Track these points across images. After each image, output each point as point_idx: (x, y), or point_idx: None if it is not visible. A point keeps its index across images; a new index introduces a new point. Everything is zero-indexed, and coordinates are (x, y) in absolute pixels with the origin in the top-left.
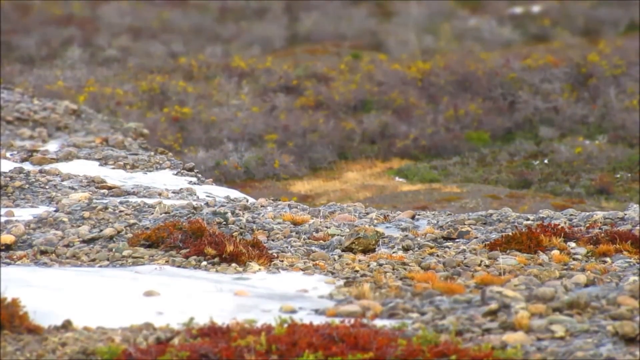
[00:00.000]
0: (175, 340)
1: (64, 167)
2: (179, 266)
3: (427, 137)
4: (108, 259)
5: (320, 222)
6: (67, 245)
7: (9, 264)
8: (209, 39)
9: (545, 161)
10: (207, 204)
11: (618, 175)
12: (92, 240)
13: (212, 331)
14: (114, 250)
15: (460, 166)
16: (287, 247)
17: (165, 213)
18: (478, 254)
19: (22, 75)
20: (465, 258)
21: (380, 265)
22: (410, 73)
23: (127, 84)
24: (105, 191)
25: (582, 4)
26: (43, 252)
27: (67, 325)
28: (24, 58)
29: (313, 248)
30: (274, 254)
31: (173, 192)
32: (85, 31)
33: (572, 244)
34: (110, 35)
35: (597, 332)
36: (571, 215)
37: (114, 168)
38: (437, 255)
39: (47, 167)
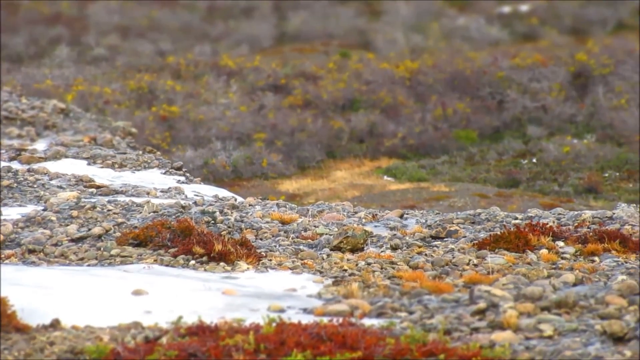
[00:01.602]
0: (164, 339)
1: (52, 166)
2: (167, 265)
3: (416, 136)
4: (96, 258)
5: (309, 221)
6: (56, 244)
7: None
8: (197, 37)
9: (534, 160)
10: (195, 203)
11: (606, 174)
12: (80, 239)
13: (200, 330)
14: (102, 249)
15: (449, 165)
16: (275, 246)
17: (154, 212)
18: (466, 253)
19: (10, 73)
20: (453, 257)
21: (369, 264)
22: (399, 72)
23: (115, 82)
24: (94, 190)
25: (571, 3)
26: (31, 251)
27: (55, 324)
28: (12, 57)
29: (301, 247)
30: (263, 253)
31: (161, 191)
32: (74, 30)
33: (561, 243)
34: (98, 34)
35: (586, 331)
36: (559, 214)
37: (102, 167)
38: (426, 255)
39: (35, 166)
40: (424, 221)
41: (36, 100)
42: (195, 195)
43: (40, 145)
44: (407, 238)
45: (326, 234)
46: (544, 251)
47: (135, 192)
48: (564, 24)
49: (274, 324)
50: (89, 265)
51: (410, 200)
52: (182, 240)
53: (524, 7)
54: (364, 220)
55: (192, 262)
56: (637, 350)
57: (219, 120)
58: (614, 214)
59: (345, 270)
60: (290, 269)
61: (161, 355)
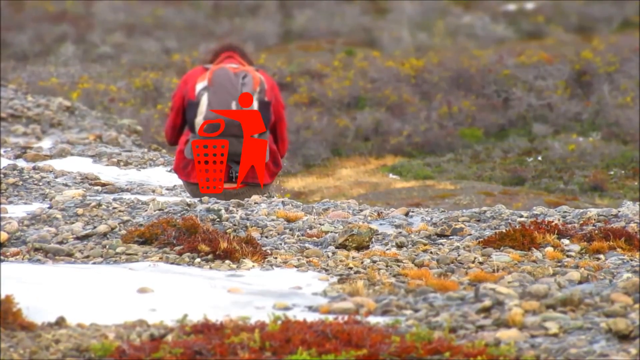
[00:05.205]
0: (169, 337)
1: (57, 164)
2: (172, 263)
3: (421, 134)
4: (102, 256)
5: (314, 219)
6: (61, 242)
7: (2, 260)
8: (202, 35)
9: (539, 158)
10: (200, 201)
11: (612, 172)
12: (85, 237)
13: (205, 328)
14: (107, 247)
15: (454, 163)
16: (280, 244)
17: (159, 210)
18: (472, 251)
19: (16, 71)
20: (459, 255)
21: (374, 262)
22: (404, 70)
23: (120, 80)
24: (99, 188)
25: (576, 1)
26: (36, 249)
27: (60, 322)
28: (18, 54)
29: (307, 245)
30: (268, 250)
31: (167, 189)
32: (79, 28)
33: (566, 241)
34: (104, 31)
35: (591, 329)
36: (565, 212)
37: (107, 165)
38: (431, 252)
39: (40, 164)
40: (429, 219)
41: (42, 98)
42: None
43: (46, 143)
44: (413, 236)
45: (331, 231)
46: (549, 249)
47: (140, 190)
48: (570, 22)
49: (279, 322)
50: (94, 263)
51: (416, 198)
52: (187, 238)
53: (530, 5)
54: (369, 218)
55: (198, 260)
56: None
57: None
58: (619, 211)
59: (351, 268)
60: (296, 266)
61: (166, 353)
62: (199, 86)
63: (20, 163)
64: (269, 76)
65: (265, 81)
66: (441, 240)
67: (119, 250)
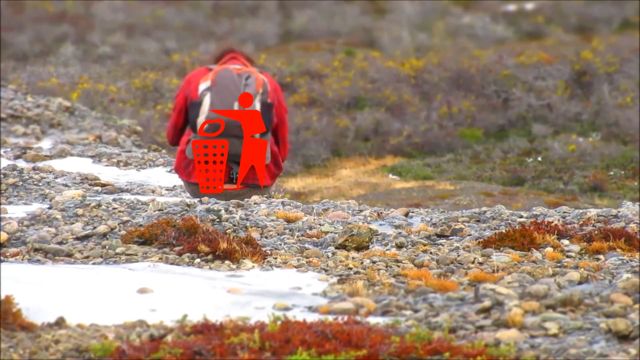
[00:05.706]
0: (169, 338)
1: (57, 164)
2: (172, 263)
3: (421, 134)
4: (102, 256)
5: (314, 219)
6: (61, 243)
7: (2, 261)
8: (202, 36)
9: (539, 158)
10: (200, 201)
11: (612, 173)
12: (85, 238)
13: (205, 328)
14: (107, 247)
15: (454, 163)
16: (280, 245)
17: (159, 210)
18: (471, 251)
19: (16, 72)
20: (458, 255)
21: (374, 262)
22: (404, 70)
23: (120, 81)
24: (99, 188)
25: (576, 1)
26: (36, 249)
27: (60, 322)
28: (17, 55)
29: (306, 245)
30: (268, 251)
31: (166, 190)
32: (79, 28)
33: (566, 242)
34: (103, 32)
35: (591, 330)
36: (565, 212)
37: (107, 165)
38: (431, 253)
39: (40, 164)
40: (429, 219)
41: (41, 98)
42: None
43: (46, 144)
44: (412, 236)
45: (331, 232)
46: (549, 249)
47: (140, 190)
48: (570, 22)
49: (279, 322)
50: (94, 264)
51: (415, 198)
52: (187, 239)
53: (529, 6)
54: (369, 218)
55: (197, 260)
56: None
57: None
58: (619, 212)
59: (350, 268)
60: (296, 267)
61: (166, 354)
62: (202, 86)
63: (20, 163)
64: (272, 78)
65: (268, 83)
66: (441, 241)
67: (118, 250)
